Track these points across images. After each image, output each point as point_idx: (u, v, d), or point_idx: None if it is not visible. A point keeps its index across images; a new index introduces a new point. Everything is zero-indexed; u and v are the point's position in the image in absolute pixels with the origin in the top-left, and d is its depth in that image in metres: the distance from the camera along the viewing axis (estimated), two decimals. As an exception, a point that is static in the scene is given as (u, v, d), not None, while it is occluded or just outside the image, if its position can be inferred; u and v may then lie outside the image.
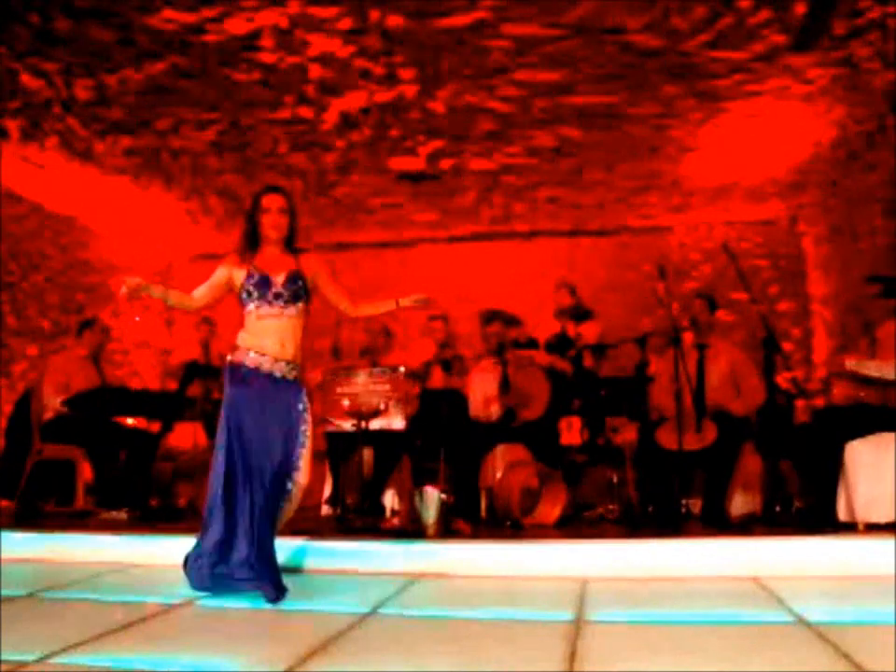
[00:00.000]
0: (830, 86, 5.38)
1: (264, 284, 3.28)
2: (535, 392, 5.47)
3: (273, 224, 3.29)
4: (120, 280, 3.14)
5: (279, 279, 3.28)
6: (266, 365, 3.25)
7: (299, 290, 3.29)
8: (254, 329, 3.31)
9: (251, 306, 3.31)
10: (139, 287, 3.15)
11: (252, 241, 3.34)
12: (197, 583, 3.21)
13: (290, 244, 3.37)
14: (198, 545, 3.26)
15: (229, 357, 3.35)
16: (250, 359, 3.26)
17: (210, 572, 3.17)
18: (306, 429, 3.27)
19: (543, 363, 5.81)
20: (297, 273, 3.31)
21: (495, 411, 5.49)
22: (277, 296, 3.27)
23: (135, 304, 9.09)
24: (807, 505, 4.73)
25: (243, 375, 3.27)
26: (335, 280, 3.52)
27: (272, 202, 3.30)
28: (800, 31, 4.68)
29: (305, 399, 3.30)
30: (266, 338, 3.27)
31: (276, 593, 3.01)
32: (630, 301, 8.36)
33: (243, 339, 3.33)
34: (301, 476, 3.27)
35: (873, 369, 4.40)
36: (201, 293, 3.45)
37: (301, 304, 3.31)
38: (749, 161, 6.81)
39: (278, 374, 3.26)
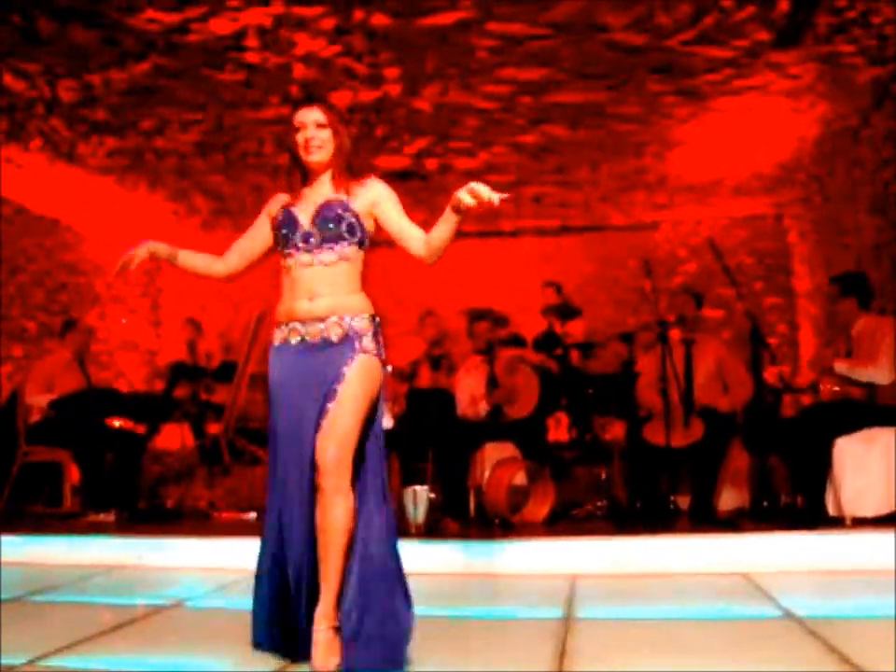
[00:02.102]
0: (814, 82, 5.40)
1: (290, 223, 2.43)
2: (525, 390, 5.48)
3: (307, 143, 2.45)
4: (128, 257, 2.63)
5: (308, 215, 2.43)
6: (295, 335, 2.39)
7: (334, 226, 2.40)
8: (285, 288, 2.46)
9: (282, 258, 2.48)
10: (142, 256, 2.61)
11: (295, 173, 2.53)
12: None
13: (345, 169, 2.52)
14: None
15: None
16: (280, 335, 2.44)
17: None
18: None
19: (533, 361, 5.83)
20: (333, 203, 2.44)
21: (482, 408, 5.49)
22: (305, 237, 2.40)
23: (121, 306, 9.07)
24: (795, 500, 4.75)
25: (274, 357, 2.46)
26: (401, 212, 2.53)
27: (305, 116, 2.47)
28: (783, 27, 4.70)
29: (351, 366, 2.31)
30: (295, 296, 2.41)
31: None
32: (616, 299, 8.39)
33: (276, 312, 2.49)
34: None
35: (864, 375, 4.43)
36: (231, 254, 2.67)
37: (341, 246, 2.41)
38: (734, 158, 6.84)
39: (312, 340, 2.37)
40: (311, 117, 2.46)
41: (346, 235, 2.42)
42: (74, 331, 6.13)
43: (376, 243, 2.54)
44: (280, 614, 2.32)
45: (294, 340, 2.39)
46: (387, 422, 5.03)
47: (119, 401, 6.24)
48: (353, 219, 2.43)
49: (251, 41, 4.83)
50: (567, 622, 2.71)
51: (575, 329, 6.56)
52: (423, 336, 6.06)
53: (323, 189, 2.49)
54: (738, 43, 4.88)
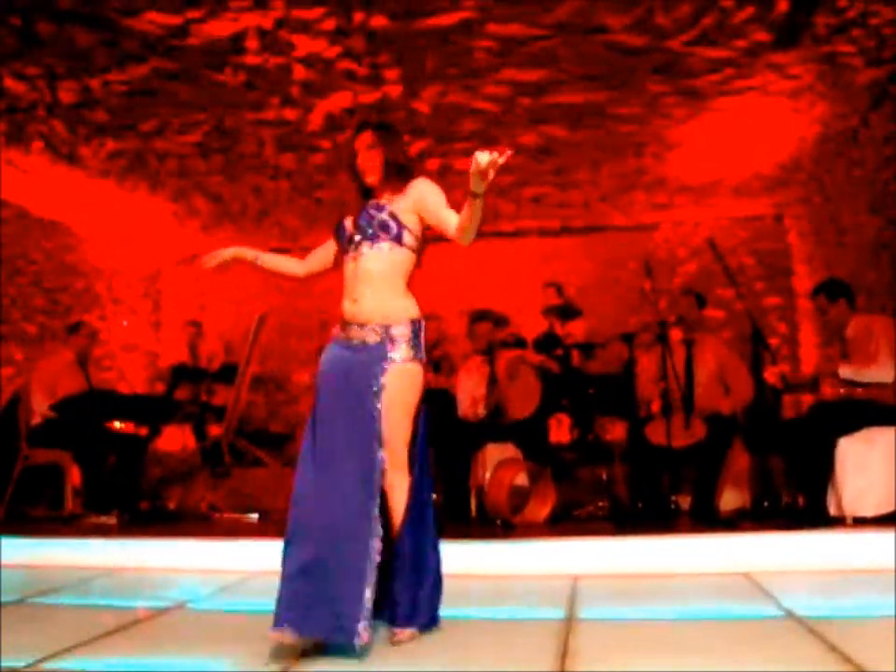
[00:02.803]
0: (813, 83, 5.40)
1: (341, 231, 2.70)
2: (526, 391, 5.48)
3: (362, 165, 2.70)
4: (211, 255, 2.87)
5: (351, 221, 2.67)
6: (342, 335, 2.61)
7: (367, 225, 2.60)
8: (347, 291, 2.63)
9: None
10: (227, 257, 2.86)
11: (358, 188, 2.76)
12: None
13: (401, 176, 2.71)
14: None
15: None
16: (335, 331, 2.66)
17: None
18: (378, 404, 2.49)
19: (534, 362, 5.83)
20: (370, 206, 2.64)
21: (482, 409, 5.49)
22: (349, 241, 2.63)
23: (122, 307, 9.07)
24: (796, 500, 4.76)
25: (326, 352, 2.67)
26: (440, 202, 2.64)
27: (358, 142, 2.74)
28: (783, 28, 4.71)
29: (388, 376, 2.49)
30: (343, 298, 2.61)
31: None
32: (617, 299, 8.38)
33: (341, 309, 2.67)
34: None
35: (869, 377, 4.43)
36: (309, 258, 2.92)
37: (377, 244, 2.58)
38: (733, 158, 6.84)
39: (358, 341, 2.56)
40: (363, 141, 2.73)
41: (380, 233, 2.58)
42: (77, 334, 6.14)
43: (425, 240, 2.70)
44: (307, 586, 2.37)
45: (341, 337, 2.61)
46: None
47: (120, 403, 6.25)
48: (386, 217, 2.59)
49: (251, 43, 4.83)
50: (569, 622, 2.71)
51: (576, 330, 6.56)
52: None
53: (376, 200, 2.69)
54: (738, 44, 4.88)
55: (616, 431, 5.95)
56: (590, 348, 6.27)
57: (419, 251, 2.68)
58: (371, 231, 2.59)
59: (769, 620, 2.67)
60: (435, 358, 5.99)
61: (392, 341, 2.53)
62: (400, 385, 2.51)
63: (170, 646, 2.55)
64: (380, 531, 2.44)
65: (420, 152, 6.59)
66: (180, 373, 6.99)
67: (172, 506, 6.23)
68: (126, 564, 4.13)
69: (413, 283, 2.69)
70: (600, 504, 5.26)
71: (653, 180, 7.40)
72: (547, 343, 6.50)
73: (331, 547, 2.39)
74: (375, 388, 2.49)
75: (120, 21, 4.55)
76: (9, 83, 5.22)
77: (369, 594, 2.36)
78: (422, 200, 2.65)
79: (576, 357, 6.35)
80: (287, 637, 2.31)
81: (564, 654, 2.29)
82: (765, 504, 4.82)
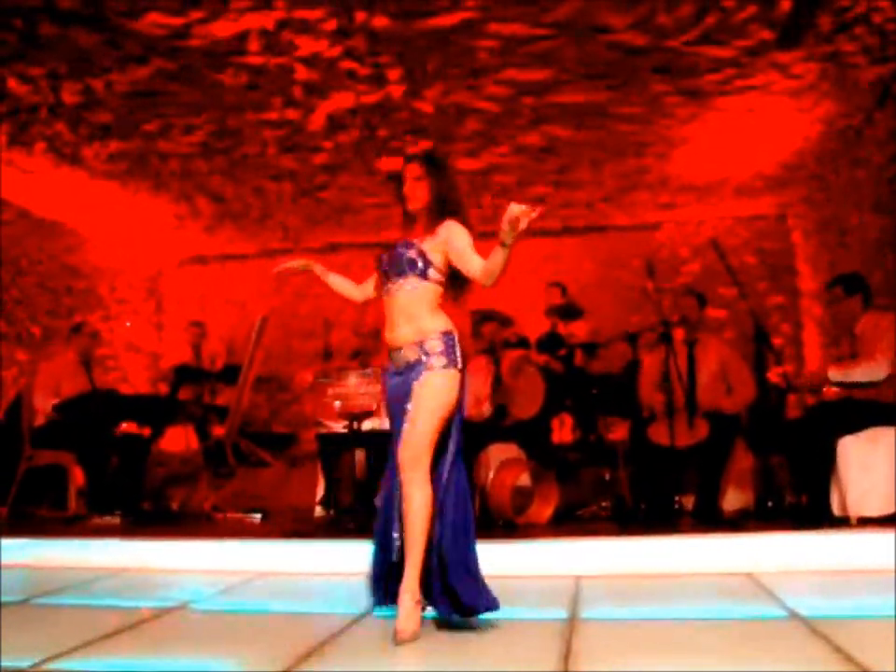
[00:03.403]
0: (816, 81, 5.39)
1: (379, 263, 2.91)
2: (531, 391, 5.48)
3: (407, 195, 2.89)
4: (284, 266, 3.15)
5: (387, 255, 2.88)
6: (389, 360, 2.89)
7: (402, 262, 2.79)
8: (385, 323, 2.91)
9: None
10: (297, 267, 3.16)
11: (404, 216, 2.96)
12: None
13: (441, 211, 2.84)
14: None
15: None
16: (386, 366, 2.93)
17: None
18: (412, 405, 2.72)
19: (539, 362, 5.83)
20: (406, 242, 2.83)
21: (486, 409, 5.49)
22: (385, 273, 2.87)
23: (125, 309, 9.09)
24: (799, 500, 4.75)
25: (385, 379, 2.96)
26: (465, 245, 2.77)
27: (408, 171, 2.90)
28: (785, 27, 4.70)
29: (421, 380, 2.71)
30: (385, 328, 2.88)
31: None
32: (620, 299, 8.37)
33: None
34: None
35: (859, 375, 4.42)
36: (366, 284, 3.12)
37: (406, 279, 2.79)
38: (736, 158, 6.83)
39: (401, 363, 2.80)
40: (410, 172, 2.89)
41: (407, 270, 2.79)
42: (79, 334, 6.15)
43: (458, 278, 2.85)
44: (385, 574, 2.79)
45: (388, 364, 2.89)
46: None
47: (123, 404, 6.26)
48: (414, 255, 2.80)
49: (253, 44, 4.84)
50: (572, 622, 2.71)
51: (579, 330, 6.56)
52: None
53: (413, 232, 2.90)
54: (740, 43, 4.88)
55: (619, 431, 5.94)
56: (593, 348, 6.27)
57: (447, 285, 2.85)
58: (399, 268, 2.80)
59: (773, 620, 2.66)
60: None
61: (427, 353, 2.74)
62: (430, 387, 2.71)
63: (173, 646, 2.55)
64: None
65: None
66: (183, 374, 7.00)
67: (175, 506, 6.24)
68: (129, 564, 4.14)
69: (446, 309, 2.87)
70: (603, 504, 5.26)
71: (656, 180, 7.40)
72: (550, 343, 6.50)
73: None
74: (410, 394, 2.73)
75: (122, 23, 4.55)
76: (12, 85, 5.22)
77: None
78: (449, 241, 2.79)
79: (579, 356, 6.35)
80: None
81: (567, 655, 2.29)
82: (769, 504, 4.82)
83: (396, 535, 2.74)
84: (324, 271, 3.15)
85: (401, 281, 2.81)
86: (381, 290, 2.93)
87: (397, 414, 2.81)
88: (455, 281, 2.84)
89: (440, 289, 2.84)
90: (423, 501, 2.62)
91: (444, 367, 2.72)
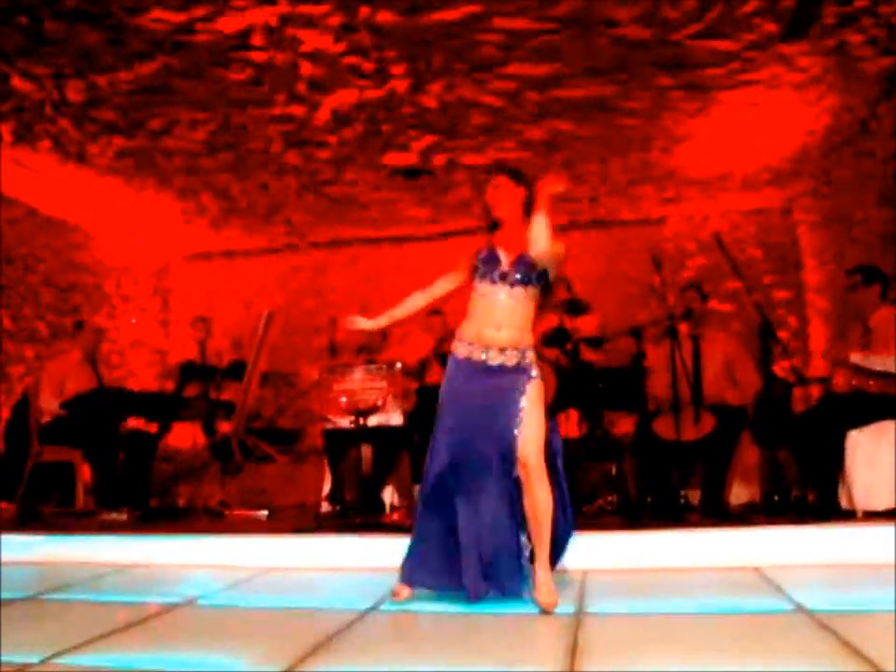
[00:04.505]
0: (822, 74, 5.37)
1: (493, 260, 3.08)
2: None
3: (491, 201, 3.15)
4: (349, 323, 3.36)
5: (509, 258, 3.06)
6: (478, 354, 3.04)
7: (528, 273, 3.03)
8: (474, 312, 3.11)
9: (477, 284, 3.10)
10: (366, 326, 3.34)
11: (489, 222, 3.17)
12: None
13: (522, 221, 3.09)
14: None
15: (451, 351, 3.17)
16: (464, 349, 3.08)
17: None
18: (521, 417, 2.95)
19: (549, 357, 5.81)
20: (527, 255, 3.03)
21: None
22: (503, 276, 3.05)
23: (131, 305, 9.11)
24: (806, 494, 4.74)
25: (457, 368, 3.09)
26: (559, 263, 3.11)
27: (491, 182, 3.17)
28: (791, 19, 4.68)
29: (530, 387, 2.97)
30: (483, 323, 3.05)
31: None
32: (625, 293, 8.36)
33: (462, 329, 3.14)
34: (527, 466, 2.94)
35: (878, 364, 4.42)
36: (434, 289, 3.28)
37: (528, 288, 3.05)
38: (742, 151, 6.81)
39: (494, 363, 3.01)
40: (493, 182, 3.16)
41: (531, 280, 3.04)
42: (83, 332, 6.16)
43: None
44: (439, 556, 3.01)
45: (477, 356, 3.03)
46: (397, 419, 5.05)
47: (130, 401, 6.27)
48: (534, 269, 3.03)
49: (257, 39, 4.84)
50: (579, 616, 2.72)
51: (585, 325, 6.55)
52: (430, 334, 6.06)
53: (511, 237, 3.09)
54: (745, 36, 4.86)
55: (625, 426, 5.93)
56: (599, 342, 6.25)
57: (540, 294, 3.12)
58: (524, 278, 3.03)
59: (779, 614, 2.66)
60: (443, 354, 5.98)
61: (528, 363, 3.02)
62: (537, 395, 3.00)
63: (181, 642, 2.56)
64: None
65: (427, 147, 6.59)
66: (189, 370, 7.00)
67: (182, 502, 6.26)
68: (137, 560, 4.15)
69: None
70: (609, 499, 5.26)
71: (661, 174, 7.38)
72: (556, 337, 6.48)
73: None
74: (520, 401, 2.96)
75: (127, 19, 4.56)
76: (17, 82, 5.23)
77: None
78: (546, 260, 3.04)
79: (586, 351, 6.33)
80: None
81: (574, 649, 2.29)
82: (775, 498, 4.81)
83: (523, 538, 2.98)
84: (390, 315, 3.31)
85: (517, 289, 3.03)
86: (477, 288, 3.10)
87: (473, 406, 2.99)
88: (545, 290, 3.12)
89: (537, 300, 3.10)
90: (548, 494, 2.93)
91: (541, 378, 3.03)
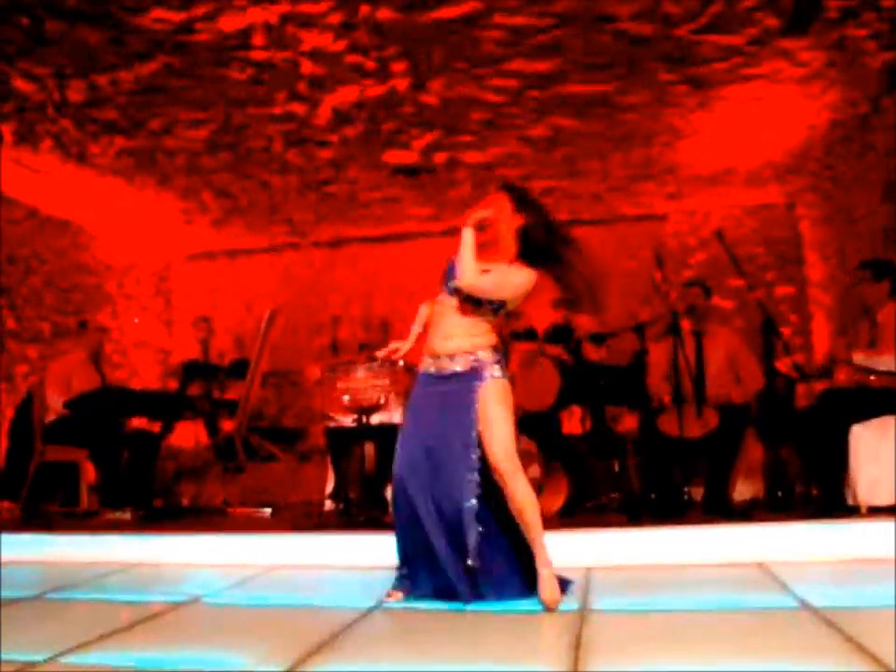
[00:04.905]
0: (824, 68, 5.36)
1: (452, 272, 3.01)
2: (545, 383, 5.45)
3: (488, 221, 3.03)
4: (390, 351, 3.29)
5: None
6: (432, 365, 3.04)
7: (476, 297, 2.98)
8: (431, 323, 3.11)
9: (440, 295, 3.10)
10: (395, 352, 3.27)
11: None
12: None
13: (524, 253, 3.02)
14: None
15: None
16: (423, 362, 3.08)
17: None
18: (475, 418, 2.90)
19: (553, 354, 5.81)
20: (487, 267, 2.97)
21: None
22: (456, 290, 2.99)
23: (134, 305, 9.11)
24: (809, 490, 4.74)
25: (417, 380, 3.10)
26: (495, 271, 2.96)
27: (494, 197, 3.06)
28: (793, 13, 4.67)
29: (485, 388, 2.91)
30: (435, 333, 3.05)
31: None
32: (627, 290, 8.35)
33: (426, 347, 3.12)
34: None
35: (882, 364, 4.41)
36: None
37: (482, 306, 3.00)
38: (744, 147, 6.80)
39: (447, 371, 2.99)
40: (496, 199, 3.02)
41: (485, 303, 2.97)
42: (87, 331, 6.17)
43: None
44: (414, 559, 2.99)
45: (430, 369, 3.03)
46: (399, 416, 5.04)
47: (133, 400, 6.28)
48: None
49: (258, 38, 4.84)
50: (583, 613, 2.72)
51: (588, 322, 6.54)
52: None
53: (484, 253, 2.97)
54: (747, 31, 4.85)
55: (628, 422, 5.93)
56: (601, 339, 6.25)
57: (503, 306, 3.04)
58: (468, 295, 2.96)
59: (783, 610, 2.66)
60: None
61: (482, 369, 2.95)
62: (494, 396, 2.92)
63: (186, 640, 2.56)
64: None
65: (428, 145, 6.59)
66: (192, 370, 7.01)
67: (185, 502, 6.26)
68: (142, 559, 4.16)
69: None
70: (613, 495, 5.26)
71: (663, 170, 7.37)
72: (558, 334, 6.48)
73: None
74: (472, 402, 2.91)
75: (127, 19, 4.56)
76: (18, 83, 5.24)
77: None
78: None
79: (590, 348, 6.33)
80: None
81: (577, 645, 2.29)
82: (779, 494, 4.80)
83: (480, 528, 2.89)
84: (414, 333, 3.28)
85: (461, 302, 2.99)
86: (438, 298, 3.10)
87: (433, 412, 2.98)
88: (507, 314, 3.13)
89: (495, 322, 3.04)
90: (527, 487, 2.90)
91: (502, 377, 2.97)
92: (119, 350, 8.76)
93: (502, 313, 3.05)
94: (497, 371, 2.96)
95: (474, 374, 2.94)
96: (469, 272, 2.87)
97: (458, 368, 2.96)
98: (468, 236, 2.87)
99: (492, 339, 3.02)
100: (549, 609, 2.77)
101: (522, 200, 3.03)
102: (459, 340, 2.98)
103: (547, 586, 2.83)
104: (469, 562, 2.84)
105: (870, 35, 4.94)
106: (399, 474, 3.00)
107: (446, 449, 2.93)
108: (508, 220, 3.00)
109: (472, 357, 2.96)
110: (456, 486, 2.89)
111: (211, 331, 7.58)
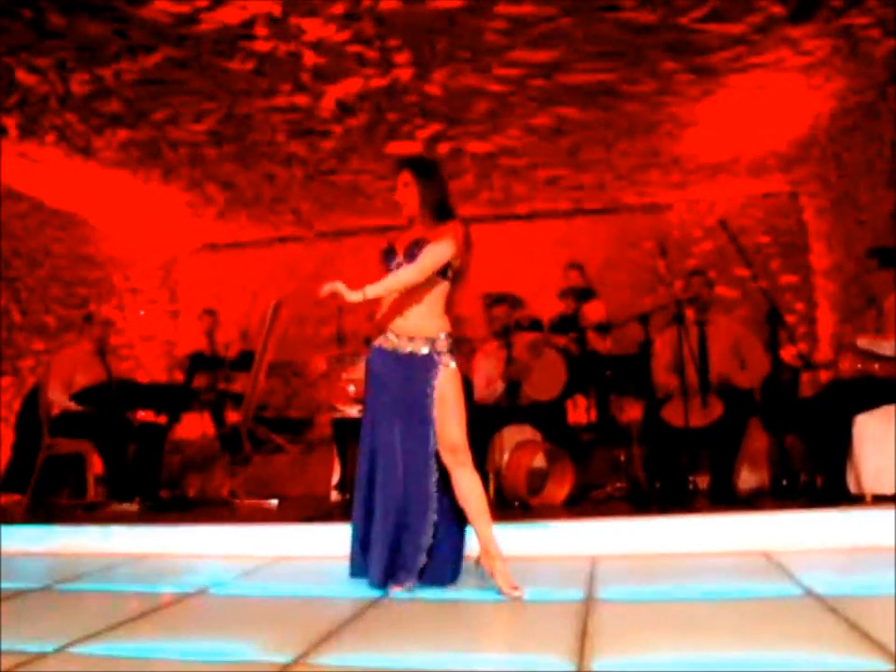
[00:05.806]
0: (829, 57, 5.33)
1: (390, 256, 3.17)
2: (551, 373, 5.46)
3: (399, 200, 3.21)
4: None
5: (401, 248, 3.13)
6: (389, 342, 3.10)
7: (416, 256, 3.05)
8: (384, 305, 3.14)
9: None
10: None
11: (408, 220, 3.23)
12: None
13: (438, 214, 3.13)
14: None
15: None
16: (379, 339, 3.14)
17: None
18: (430, 407, 3.02)
19: (559, 344, 5.81)
20: (419, 241, 3.07)
21: (498, 387, 5.48)
22: (398, 265, 3.10)
23: (139, 297, 9.13)
24: (814, 479, 4.74)
25: (373, 357, 3.16)
26: (429, 249, 3.04)
27: (399, 179, 3.21)
28: (797, 1, 4.64)
29: (440, 378, 3.01)
30: (390, 313, 3.10)
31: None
32: (632, 280, 8.35)
33: (379, 319, 3.17)
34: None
35: (886, 348, 4.40)
36: None
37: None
38: (748, 136, 6.77)
39: (405, 351, 3.07)
40: (401, 180, 3.19)
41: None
42: (92, 324, 6.19)
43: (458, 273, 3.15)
44: (368, 547, 3.04)
45: (388, 346, 3.09)
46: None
47: (139, 392, 6.30)
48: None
49: (260, 29, 4.83)
50: (588, 602, 2.73)
51: (592, 311, 6.55)
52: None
53: (415, 230, 3.14)
54: (751, 19, 4.83)
55: (633, 412, 5.93)
56: (606, 329, 6.25)
57: (453, 280, 3.12)
58: (410, 261, 3.04)
59: (788, 598, 2.66)
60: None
61: (437, 350, 3.04)
62: (451, 386, 3.02)
63: (193, 630, 2.58)
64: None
65: (432, 135, 6.58)
66: (198, 361, 7.03)
67: (192, 493, 6.29)
68: (149, 550, 4.18)
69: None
70: (618, 485, 5.26)
71: (667, 159, 7.35)
72: (563, 324, 6.49)
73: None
74: (429, 391, 3.00)
75: (130, 11, 4.55)
76: (21, 75, 5.24)
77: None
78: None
79: (594, 338, 6.33)
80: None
81: (583, 634, 2.30)
82: (784, 483, 4.80)
83: (435, 516, 3.02)
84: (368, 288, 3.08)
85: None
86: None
87: (390, 392, 3.06)
88: (455, 277, 3.13)
89: (448, 285, 3.11)
90: (476, 481, 2.99)
91: (455, 367, 3.06)
92: (125, 342, 8.78)
93: (450, 274, 3.10)
94: (451, 361, 3.06)
95: (431, 361, 3.03)
96: (407, 281, 3.02)
97: (417, 350, 3.05)
98: (370, 294, 2.97)
99: (446, 323, 3.11)
100: (520, 597, 2.80)
101: (424, 170, 3.18)
102: (416, 320, 3.07)
103: (500, 578, 2.88)
104: (423, 542, 2.99)
105: (874, 23, 4.90)
106: (365, 460, 3.11)
107: (409, 436, 3.03)
108: (414, 191, 3.15)
109: (431, 342, 3.05)
110: (419, 472, 3.02)
111: (217, 323, 7.60)
